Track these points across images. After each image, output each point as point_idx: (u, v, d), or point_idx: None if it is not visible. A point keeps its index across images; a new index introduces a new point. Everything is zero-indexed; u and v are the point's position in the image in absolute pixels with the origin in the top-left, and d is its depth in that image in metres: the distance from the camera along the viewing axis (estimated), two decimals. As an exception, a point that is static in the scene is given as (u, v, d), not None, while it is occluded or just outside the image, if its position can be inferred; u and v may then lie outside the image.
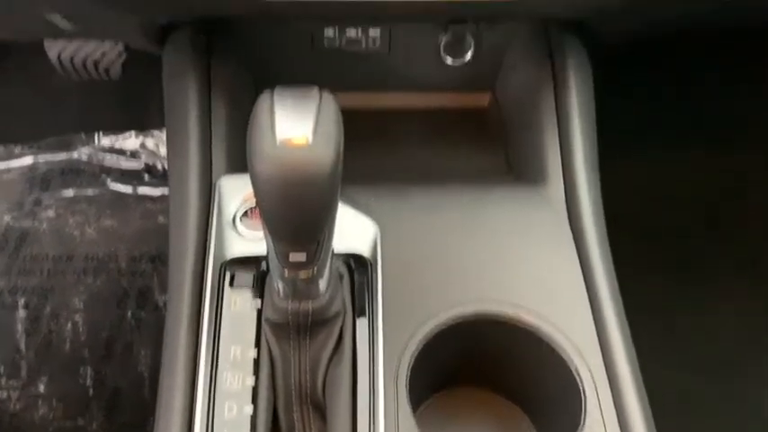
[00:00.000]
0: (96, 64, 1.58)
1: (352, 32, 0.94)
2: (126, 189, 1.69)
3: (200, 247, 0.75)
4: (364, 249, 0.75)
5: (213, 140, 0.83)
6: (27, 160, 1.74)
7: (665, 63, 1.47)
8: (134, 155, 1.78)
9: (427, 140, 1.00)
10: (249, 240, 0.76)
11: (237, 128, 0.84)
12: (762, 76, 1.42)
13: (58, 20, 0.86)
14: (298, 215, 0.50)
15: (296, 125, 0.47)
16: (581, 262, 0.77)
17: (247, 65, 0.93)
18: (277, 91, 0.50)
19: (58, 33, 1.04)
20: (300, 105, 0.48)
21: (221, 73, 0.85)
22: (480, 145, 0.99)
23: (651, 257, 1.38)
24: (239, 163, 0.81)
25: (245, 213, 0.78)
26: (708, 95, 1.47)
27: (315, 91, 0.50)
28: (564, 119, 0.85)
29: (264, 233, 0.55)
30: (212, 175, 0.81)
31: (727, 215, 1.47)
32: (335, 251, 0.62)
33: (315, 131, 0.46)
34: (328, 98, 0.50)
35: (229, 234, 0.76)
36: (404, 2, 0.71)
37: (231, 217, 0.77)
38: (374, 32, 0.95)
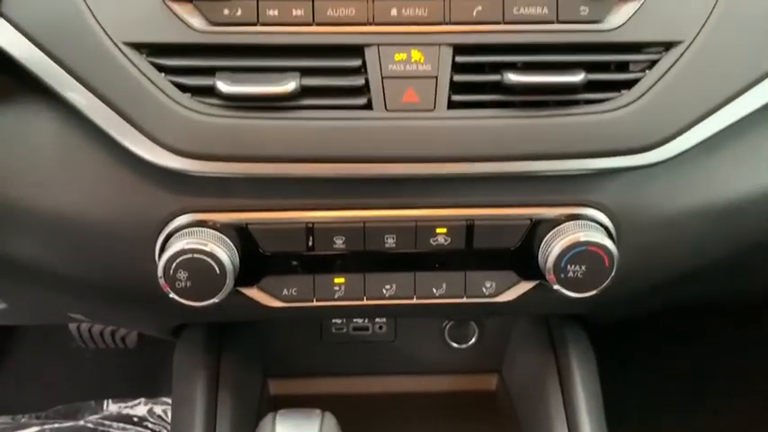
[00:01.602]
0: (113, 333, 1.64)
1: (359, 320, 0.98)
2: (129, 457, 1.63)
3: None
4: None
5: None
6: (33, 430, 1.71)
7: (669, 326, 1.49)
8: (142, 421, 1.75)
9: (434, 427, 0.98)
10: None
11: (242, 424, 0.84)
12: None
13: (80, 316, 0.91)
14: None
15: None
16: None
17: (256, 354, 0.96)
18: (279, 417, 0.51)
19: (78, 321, 1.09)
20: (302, 429, 0.49)
21: (230, 369, 0.87)
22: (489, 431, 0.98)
23: None
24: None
25: None
26: (718, 360, 1.46)
27: (316, 415, 0.51)
28: (571, 412, 0.85)
29: None
30: None
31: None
32: None
33: None
34: (330, 421, 0.50)
35: None
36: (407, 305, 0.75)
37: None
38: (381, 319, 0.99)
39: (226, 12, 0.63)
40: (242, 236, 0.69)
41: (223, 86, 0.62)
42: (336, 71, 0.65)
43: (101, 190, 0.69)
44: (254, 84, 0.63)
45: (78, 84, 0.64)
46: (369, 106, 0.65)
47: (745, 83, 0.67)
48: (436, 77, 0.65)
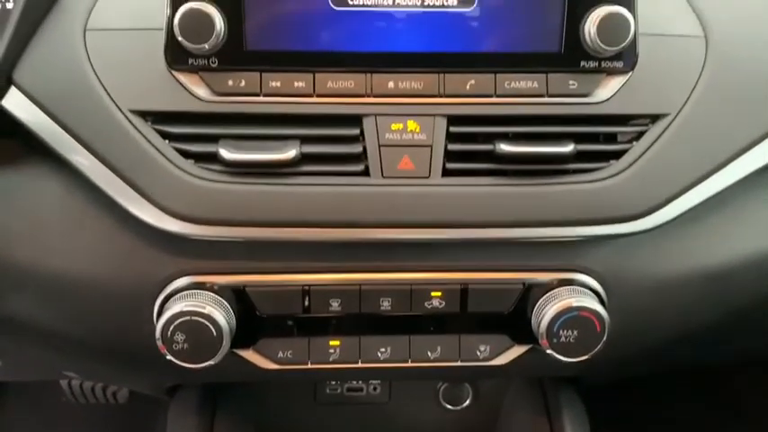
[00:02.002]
0: (105, 389, 1.62)
1: (353, 381, 0.98)
2: None
3: None
4: None
5: None
6: (18, 488, 1.67)
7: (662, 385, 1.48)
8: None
9: None
10: None
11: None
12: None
13: (74, 374, 0.91)
14: None
15: None
16: None
17: (251, 415, 0.95)
18: None
19: (71, 378, 1.08)
20: None
21: (225, 430, 0.87)
22: None
23: None
24: None
25: None
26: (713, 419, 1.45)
27: None
28: None
29: None
30: None
31: None
32: None
33: None
34: None
35: None
36: (401, 368, 0.75)
37: None
38: (375, 381, 0.99)
39: (230, 83, 0.66)
40: (239, 298, 0.70)
41: (226, 154, 0.64)
42: (335, 139, 0.67)
43: (102, 252, 0.70)
44: (256, 151, 0.65)
45: (83, 149, 0.66)
46: (366, 173, 0.67)
47: (729, 154, 0.70)
48: (431, 146, 0.67)
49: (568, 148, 0.66)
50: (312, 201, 0.66)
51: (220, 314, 0.67)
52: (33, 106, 0.66)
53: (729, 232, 0.75)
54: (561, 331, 0.69)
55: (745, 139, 0.70)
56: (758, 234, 0.76)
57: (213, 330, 0.66)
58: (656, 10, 0.71)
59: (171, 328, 0.66)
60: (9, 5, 0.82)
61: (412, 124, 0.67)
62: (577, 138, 0.68)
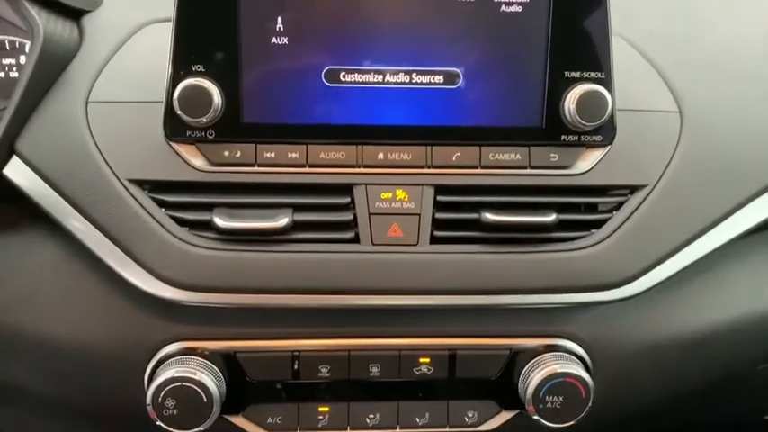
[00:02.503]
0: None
1: None
2: None
3: None
4: None
5: None
6: None
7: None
8: None
9: None
10: None
11: None
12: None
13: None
14: None
15: None
16: None
17: None
18: None
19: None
20: None
21: None
22: None
23: None
24: None
25: None
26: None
27: None
28: None
29: None
30: None
31: None
32: None
33: None
34: None
35: None
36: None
37: None
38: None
39: (226, 153, 0.68)
40: (229, 363, 0.71)
41: (220, 222, 0.66)
42: (327, 207, 0.70)
43: (96, 317, 0.71)
44: (250, 219, 0.67)
45: (81, 216, 0.68)
46: (356, 240, 0.69)
47: (705, 224, 0.73)
48: (419, 215, 0.70)
49: (551, 217, 0.69)
50: (303, 268, 0.68)
51: (211, 380, 0.67)
52: (34, 175, 0.68)
53: (710, 299, 0.77)
54: (547, 397, 0.70)
55: (720, 209, 0.73)
56: (739, 300, 0.79)
57: (204, 396, 0.67)
58: (633, 87, 0.75)
59: (162, 394, 0.66)
60: (14, 75, 0.85)
61: (401, 193, 0.70)
62: (559, 207, 0.70)
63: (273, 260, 0.67)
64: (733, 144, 0.75)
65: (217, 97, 0.66)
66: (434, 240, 0.69)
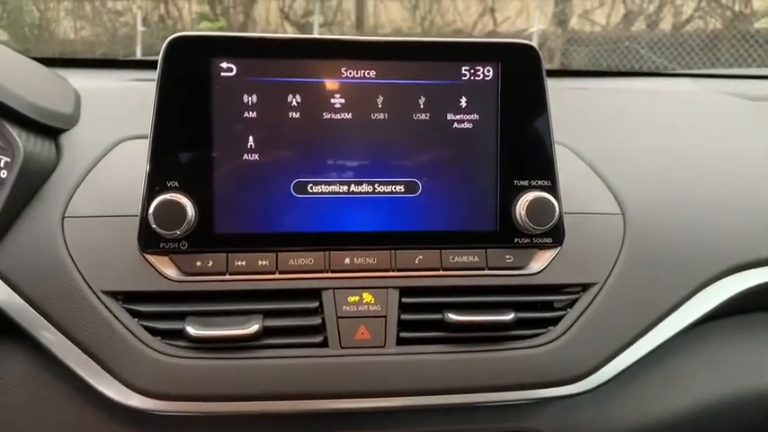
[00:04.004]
0: None
1: None
2: None
3: None
4: None
5: None
6: None
7: None
8: None
9: None
10: None
11: None
12: None
13: None
14: None
15: None
16: None
17: None
18: None
19: None
20: None
21: None
22: None
23: None
24: None
25: None
26: None
27: None
28: None
29: None
30: None
31: None
32: None
33: None
34: None
35: None
36: None
37: None
38: None
39: (198, 263, 0.71)
40: None
41: (192, 330, 0.68)
42: (296, 312, 0.72)
43: (66, 429, 0.71)
44: (221, 327, 0.69)
45: (53, 327, 0.69)
46: (325, 344, 0.72)
47: (655, 316, 0.77)
48: (385, 317, 0.73)
49: (509, 316, 0.73)
50: (274, 373, 0.70)
51: None
52: (7, 287, 0.70)
53: (669, 386, 0.81)
54: None
55: (668, 302, 0.78)
56: (693, 389, 0.83)
57: None
58: (578, 192, 0.81)
59: None
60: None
61: (367, 296, 0.73)
62: (517, 306, 0.74)
63: (245, 367, 0.69)
64: (675, 241, 0.81)
65: (191, 211, 0.69)
66: (401, 341, 0.72)
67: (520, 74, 0.75)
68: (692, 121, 1.11)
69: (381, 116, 0.73)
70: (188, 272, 0.71)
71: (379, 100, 0.73)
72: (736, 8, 6.99)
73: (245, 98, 0.71)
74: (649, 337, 0.77)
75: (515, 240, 0.75)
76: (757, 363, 0.84)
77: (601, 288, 0.77)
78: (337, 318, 0.72)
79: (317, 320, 0.72)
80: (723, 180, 0.89)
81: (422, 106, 0.73)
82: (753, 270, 0.81)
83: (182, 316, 0.70)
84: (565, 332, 0.75)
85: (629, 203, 0.82)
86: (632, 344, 0.76)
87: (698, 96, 1.31)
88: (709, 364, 0.83)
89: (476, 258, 0.75)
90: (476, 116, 0.74)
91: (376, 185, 0.74)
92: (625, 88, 1.38)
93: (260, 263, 0.72)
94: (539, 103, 0.75)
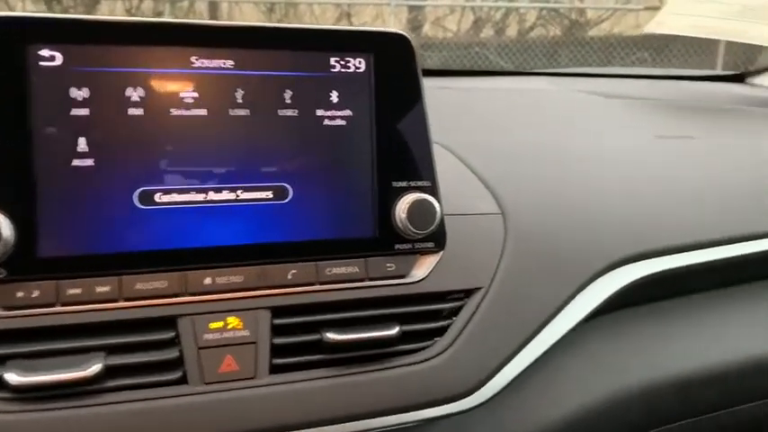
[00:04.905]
0: None
1: None
2: None
3: None
4: None
5: None
6: None
7: None
8: None
9: None
10: None
11: None
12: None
13: None
14: None
15: None
16: None
17: None
18: None
19: None
20: None
21: None
22: None
23: None
24: None
25: None
26: None
27: None
28: None
29: None
30: None
31: None
32: None
33: None
34: None
35: None
36: None
37: None
38: None
39: (20, 294, 0.58)
40: None
41: (13, 378, 0.55)
42: (147, 346, 0.61)
43: None
44: (51, 371, 0.57)
45: None
46: (184, 380, 0.61)
47: (542, 319, 0.74)
48: (256, 343, 0.64)
49: (394, 330, 0.66)
50: (121, 422, 0.58)
51: None
52: None
53: (556, 392, 0.78)
54: None
55: (555, 301, 0.75)
56: (581, 390, 0.80)
57: None
58: (456, 192, 0.77)
59: None
60: None
61: (233, 321, 0.64)
62: (402, 318, 0.68)
63: (85, 418, 0.57)
64: (556, 239, 0.79)
65: (8, 231, 0.56)
66: (274, 369, 0.64)
67: (393, 66, 0.69)
68: (556, 117, 1.12)
69: (242, 112, 0.64)
70: (8, 305, 0.58)
71: (239, 94, 0.64)
72: (573, 17, 7.55)
73: (74, 92, 0.59)
74: (540, 340, 0.74)
75: (396, 247, 0.69)
76: (644, 358, 0.84)
77: (485, 293, 0.72)
78: (198, 349, 0.62)
79: (173, 354, 0.61)
80: (597, 175, 0.89)
81: (288, 101, 0.65)
82: (635, 264, 0.81)
83: (1, 361, 0.57)
84: (452, 342, 0.69)
85: (508, 202, 0.79)
86: (522, 348, 0.73)
87: (557, 94, 1.33)
88: (595, 363, 0.82)
89: (355, 269, 0.68)
90: (348, 112, 0.67)
91: (239, 192, 0.64)
92: (486, 87, 1.38)
93: (99, 289, 0.60)
94: (415, 98, 0.69)
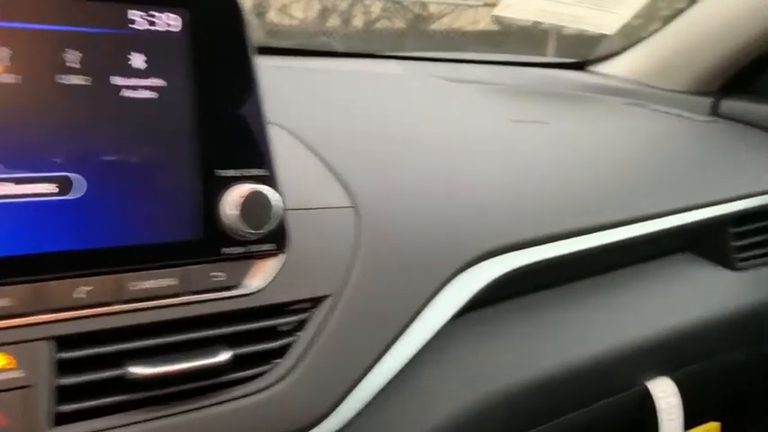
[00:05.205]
0: None
1: None
2: None
3: None
4: None
5: None
6: None
7: None
8: None
9: None
10: None
11: None
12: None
13: None
14: None
15: None
16: None
17: None
18: None
19: None
20: None
21: None
22: None
23: None
24: None
25: None
26: None
27: None
28: None
29: None
30: None
31: None
32: None
33: None
34: None
35: None
36: None
37: None
38: None
39: None
40: None
41: None
42: None
43: None
44: None
45: None
46: None
47: (404, 321, 0.65)
48: (34, 386, 0.48)
49: (223, 356, 0.53)
50: None
51: None
52: None
53: (420, 408, 0.69)
54: None
55: (415, 303, 0.66)
56: (448, 402, 0.71)
57: None
58: (299, 182, 0.65)
59: None
60: None
61: (2, 359, 0.47)
62: (233, 340, 0.55)
63: None
64: (414, 233, 0.70)
65: None
66: (60, 420, 0.48)
67: (217, 27, 0.55)
68: (408, 102, 1.04)
69: (8, 79, 0.48)
70: None
71: (5, 53, 0.48)
72: (416, 11, 7.71)
73: None
74: (399, 350, 0.64)
75: (224, 251, 0.56)
76: (510, 357, 0.77)
77: (336, 301, 0.61)
78: None
79: None
80: (452, 163, 0.81)
81: (71, 64, 0.49)
82: (499, 257, 0.73)
83: None
84: (296, 364, 0.58)
85: (359, 193, 0.68)
86: (379, 361, 0.63)
87: (407, 78, 1.26)
88: (462, 369, 0.73)
89: (170, 281, 0.53)
90: (159, 82, 0.53)
91: (6, 185, 0.48)
92: (334, 69, 1.28)
93: None
94: (245, 68, 0.57)
